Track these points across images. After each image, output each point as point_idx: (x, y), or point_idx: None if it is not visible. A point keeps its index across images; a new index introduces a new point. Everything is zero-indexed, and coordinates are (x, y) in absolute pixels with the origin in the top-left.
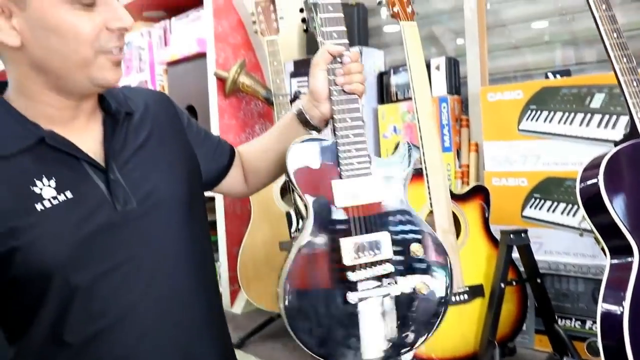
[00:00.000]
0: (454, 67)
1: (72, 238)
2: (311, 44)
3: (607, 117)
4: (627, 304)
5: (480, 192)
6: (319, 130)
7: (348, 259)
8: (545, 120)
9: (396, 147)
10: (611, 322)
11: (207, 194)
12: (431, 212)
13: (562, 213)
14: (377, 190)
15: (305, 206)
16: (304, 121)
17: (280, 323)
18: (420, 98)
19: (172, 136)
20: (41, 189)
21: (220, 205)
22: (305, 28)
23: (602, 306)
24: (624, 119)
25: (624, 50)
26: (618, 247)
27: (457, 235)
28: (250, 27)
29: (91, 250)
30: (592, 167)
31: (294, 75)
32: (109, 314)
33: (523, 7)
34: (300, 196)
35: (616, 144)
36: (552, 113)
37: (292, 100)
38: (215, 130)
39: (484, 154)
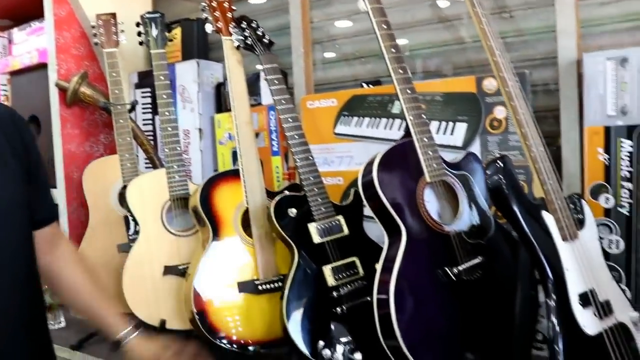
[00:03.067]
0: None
1: None
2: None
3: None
4: (394, 274)
5: (294, 190)
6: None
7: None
8: (355, 125)
9: None
10: (384, 290)
11: None
12: (247, 209)
13: None
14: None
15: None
16: (117, 345)
17: None
18: (238, 108)
19: (16, 148)
20: None
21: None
22: (140, 41)
23: (378, 277)
24: None
25: (400, 63)
26: (391, 228)
27: None
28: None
29: None
30: (369, 163)
31: (138, 86)
32: None
33: (346, 23)
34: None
35: (396, 142)
36: (361, 118)
37: (130, 110)
38: (57, 139)
39: None
